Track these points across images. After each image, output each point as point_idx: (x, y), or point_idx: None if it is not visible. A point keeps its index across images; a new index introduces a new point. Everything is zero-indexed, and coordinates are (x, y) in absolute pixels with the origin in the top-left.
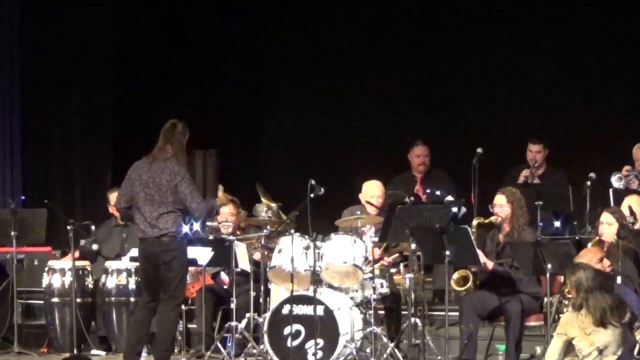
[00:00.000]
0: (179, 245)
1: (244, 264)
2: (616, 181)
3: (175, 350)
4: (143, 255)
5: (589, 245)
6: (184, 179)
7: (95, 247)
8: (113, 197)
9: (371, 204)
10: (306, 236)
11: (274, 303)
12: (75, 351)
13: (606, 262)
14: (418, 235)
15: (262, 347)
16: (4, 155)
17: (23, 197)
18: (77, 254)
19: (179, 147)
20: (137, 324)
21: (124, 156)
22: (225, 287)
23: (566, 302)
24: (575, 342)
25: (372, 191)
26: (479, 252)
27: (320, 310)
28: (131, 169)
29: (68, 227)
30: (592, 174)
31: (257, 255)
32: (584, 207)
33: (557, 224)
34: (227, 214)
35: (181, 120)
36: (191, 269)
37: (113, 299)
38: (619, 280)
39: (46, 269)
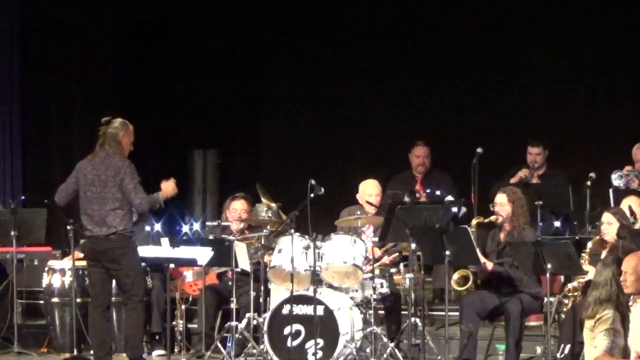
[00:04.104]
0: (129, 242)
1: (244, 264)
2: (616, 179)
3: (176, 350)
4: (91, 253)
5: (589, 244)
6: (127, 173)
7: None
8: None
9: (370, 204)
10: (306, 236)
11: (274, 303)
12: (75, 351)
13: None
14: (418, 235)
15: (262, 347)
16: (3, 155)
17: (23, 197)
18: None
19: (115, 143)
20: (94, 327)
21: None
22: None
23: (566, 302)
24: None
25: (369, 190)
26: (479, 252)
27: (320, 310)
28: (75, 169)
29: (68, 227)
30: (592, 174)
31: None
32: (584, 207)
33: (557, 224)
34: (240, 210)
35: (122, 118)
36: (197, 268)
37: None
38: None
39: (46, 269)
